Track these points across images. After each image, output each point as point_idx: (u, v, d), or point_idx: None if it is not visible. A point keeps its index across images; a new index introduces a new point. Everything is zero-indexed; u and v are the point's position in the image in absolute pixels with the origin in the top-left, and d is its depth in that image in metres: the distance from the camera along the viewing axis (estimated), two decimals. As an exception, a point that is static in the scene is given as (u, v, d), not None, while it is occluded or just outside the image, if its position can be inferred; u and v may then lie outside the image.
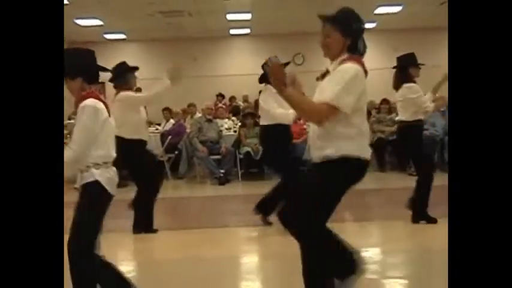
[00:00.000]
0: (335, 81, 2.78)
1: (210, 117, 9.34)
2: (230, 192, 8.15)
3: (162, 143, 9.45)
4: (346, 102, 2.75)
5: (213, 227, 5.78)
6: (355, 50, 2.89)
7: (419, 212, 5.37)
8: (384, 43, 14.47)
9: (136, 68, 5.46)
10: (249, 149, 8.80)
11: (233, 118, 10.81)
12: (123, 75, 5.32)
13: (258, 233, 5.43)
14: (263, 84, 5.42)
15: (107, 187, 2.99)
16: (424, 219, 5.36)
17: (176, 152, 9.46)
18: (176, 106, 11.16)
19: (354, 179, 2.87)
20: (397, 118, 5.75)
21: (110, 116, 3.08)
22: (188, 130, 9.53)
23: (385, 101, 9.98)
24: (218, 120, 9.84)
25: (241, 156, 9.01)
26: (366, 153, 2.88)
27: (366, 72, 2.88)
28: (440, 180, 7.83)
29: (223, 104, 13.17)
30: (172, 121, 10.54)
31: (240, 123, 10.00)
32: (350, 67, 2.80)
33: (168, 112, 10.95)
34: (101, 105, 3.01)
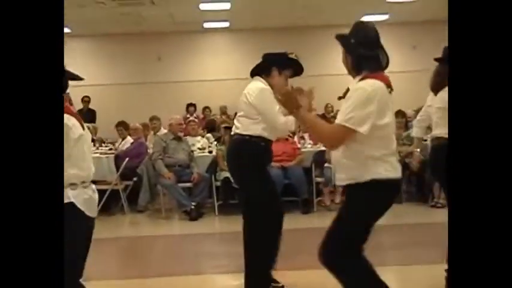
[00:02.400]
0: (348, 103, 3.34)
1: (179, 134, 9.36)
2: (204, 230, 8.16)
3: (117, 166, 9.41)
4: (359, 121, 3.28)
5: (183, 275, 5.77)
6: (365, 65, 3.42)
7: None
8: (399, 40, 14.66)
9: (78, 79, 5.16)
10: (228, 175, 8.80)
11: (208, 135, 10.84)
12: None
13: (239, 281, 5.44)
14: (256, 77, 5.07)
15: (83, 209, 3.26)
16: None
17: (135, 179, 9.45)
18: (134, 120, 11.02)
19: (385, 203, 3.48)
20: (432, 133, 5.41)
21: (84, 129, 3.33)
22: (150, 150, 9.53)
23: (400, 113, 10.03)
24: (189, 138, 9.86)
25: (218, 183, 9.02)
26: (395, 172, 3.44)
27: (389, 86, 3.41)
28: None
29: (195, 117, 13.22)
30: (130, 139, 10.39)
31: (216, 141, 10.02)
32: (362, 87, 3.35)
33: (123, 128, 10.51)
34: (72, 120, 3.21)
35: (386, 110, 3.38)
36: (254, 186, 4.94)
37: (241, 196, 5.25)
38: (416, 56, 15.34)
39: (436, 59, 5.10)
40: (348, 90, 3.45)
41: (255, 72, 5.04)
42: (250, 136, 4.87)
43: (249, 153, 4.89)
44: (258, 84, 4.92)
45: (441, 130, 4.99)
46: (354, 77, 3.51)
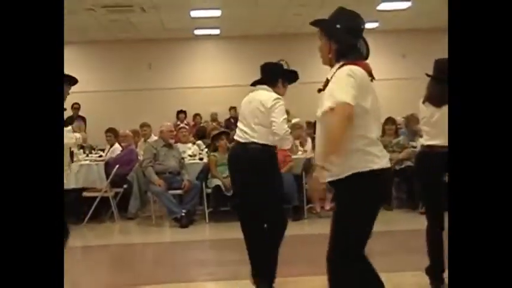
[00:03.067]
0: (332, 87, 3.21)
1: (169, 141, 9.35)
2: (195, 237, 8.12)
3: (107, 174, 9.39)
4: (348, 96, 3.11)
5: (173, 282, 5.75)
6: (349, 54, 3.27)
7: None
8: (389, 47, 14.75)
9: (73, 80, 5.25)
10: (219, 183, 8.80)
11: (198, 142, 10.83)
12: None
13: (231, 289, 5.44)
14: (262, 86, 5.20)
15: None
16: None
17: (125, 186, 9.42)
18: (125, 126, 10.99)
19: (373, 196, 3.33)
20: (421, 140, 5.55)
21: None
22: (141, 157, 9.51)
23: (390, 120, 10.08)
24: (179, 145, 9.84)
25: (209, 191, 8.99)
26: (379, 163, 3.29)
27: (371, 74, 3.28)
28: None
29: (186, 124, 13.21)
30: (118, 146, 10.36)
31: (206, 148, 10.00)
32: (343, 70, 3.23)
33: (112, 134, 10.46)
34: None
35: (368, 93, 3.25)
36: (272, 194, 5.13)
37: (249, 203, 5.25)
38: (405, 64, 15.43)
39: (428, 75, 5.21)
40: (327, 81, 3.32)
41: (261, 82, 5.19)
42: (269, 146, 5.03)
43: (270, 162, 5.09)
44: (272, 93, 5.08)
45: (428, 139, 5.15)
46: (332, 65, 3.38)
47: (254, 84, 5.24)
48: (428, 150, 5.13)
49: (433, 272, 5.12)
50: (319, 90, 3.35)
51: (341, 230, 3.34)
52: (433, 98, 5.16)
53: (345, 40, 3.31)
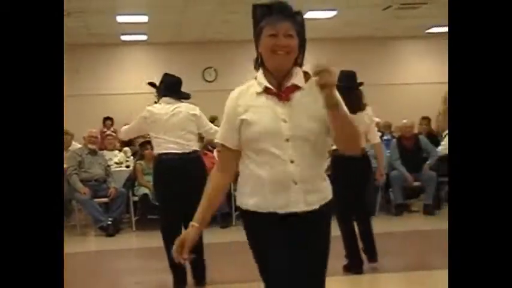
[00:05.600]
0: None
1: (95, 147, 9.21)
2: (121, 246, 8.04)
3: (30, 182, 9.17)
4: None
5: (99, 293, 5.67)
6: (301, 63, 2.83)
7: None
8: (315, 56, 14.95)
9: None
10: (146, 191, 8.72)
11: (125, 149, 10.70)
12: None
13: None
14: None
15: None
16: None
17: (49, 194, 9.22)
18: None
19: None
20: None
21: None
22: (64, 165, 9.32)
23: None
24: (105, 152, 9.74)
25: (136, 198, 8.94)
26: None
27: None
28: (387, 226, 8.16)
29: (113, 131, 13.03)
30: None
31: (133, 156, 9.92)
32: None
33: None
34: None
35: None
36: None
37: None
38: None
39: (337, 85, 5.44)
40: (297, 87, 2.76)
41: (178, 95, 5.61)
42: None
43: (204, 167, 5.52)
44: (189, 104, 5.61)
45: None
46: (288, 71, 2.75)
47: (166, 95, 5.55)
48: (341, 155, 5.34)
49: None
50: (286, 99, 2.75)
51: (325, 267, 2.86)
52: (347, 107, 5.33)
53: (303, 36, 2.79)
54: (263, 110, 2.73)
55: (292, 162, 2.69)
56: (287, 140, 2.69)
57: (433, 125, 10.94)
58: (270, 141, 2.69)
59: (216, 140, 2.91)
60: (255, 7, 2.80)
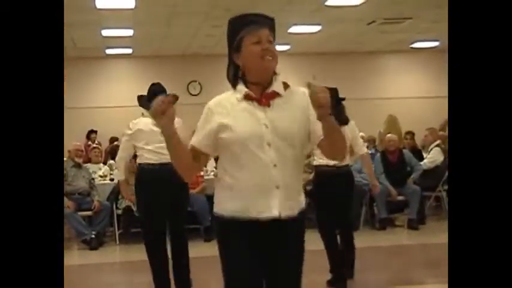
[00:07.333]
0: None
1: (79, 161, 9.16)
2: (105, 259, 8.01)
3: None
4: None
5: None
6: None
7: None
8: (300, 69, 14.99)
9: None
10: (130, 204, 8.67)
11: (110, 162, 10.64)
12: None
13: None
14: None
15: None
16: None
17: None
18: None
19: None
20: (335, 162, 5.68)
21: None
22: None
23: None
24: (90, 165, 9.69)
25: (120, 212, 8.88)
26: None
27: None
28: (371, 241, 8.16)
29: (97, 144, 12.97)
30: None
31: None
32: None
33: None
34: None
35: None
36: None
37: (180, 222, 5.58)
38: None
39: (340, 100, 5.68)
40: (278, 94, 2.77)
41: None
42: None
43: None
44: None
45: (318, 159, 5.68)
46: (270, 79, 2.78)
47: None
48: (326, 168, 5.61)
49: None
50: (266, 104, 2.75)
51: (300, 273, 2.90)
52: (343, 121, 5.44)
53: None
54: (244, 115, 2.74)
55: (275, 166, 2.69)
56: (268, 144, 2.69)
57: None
58: (252, 145, 2.69)
59: (190, 143, 2.86)
60: (232, 20, 2.84)
